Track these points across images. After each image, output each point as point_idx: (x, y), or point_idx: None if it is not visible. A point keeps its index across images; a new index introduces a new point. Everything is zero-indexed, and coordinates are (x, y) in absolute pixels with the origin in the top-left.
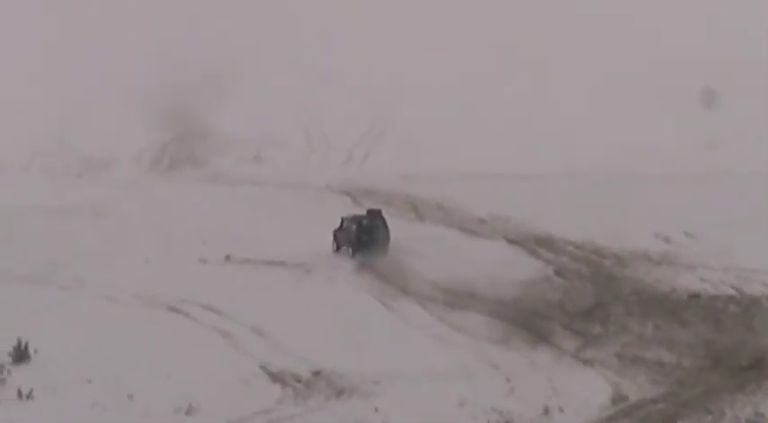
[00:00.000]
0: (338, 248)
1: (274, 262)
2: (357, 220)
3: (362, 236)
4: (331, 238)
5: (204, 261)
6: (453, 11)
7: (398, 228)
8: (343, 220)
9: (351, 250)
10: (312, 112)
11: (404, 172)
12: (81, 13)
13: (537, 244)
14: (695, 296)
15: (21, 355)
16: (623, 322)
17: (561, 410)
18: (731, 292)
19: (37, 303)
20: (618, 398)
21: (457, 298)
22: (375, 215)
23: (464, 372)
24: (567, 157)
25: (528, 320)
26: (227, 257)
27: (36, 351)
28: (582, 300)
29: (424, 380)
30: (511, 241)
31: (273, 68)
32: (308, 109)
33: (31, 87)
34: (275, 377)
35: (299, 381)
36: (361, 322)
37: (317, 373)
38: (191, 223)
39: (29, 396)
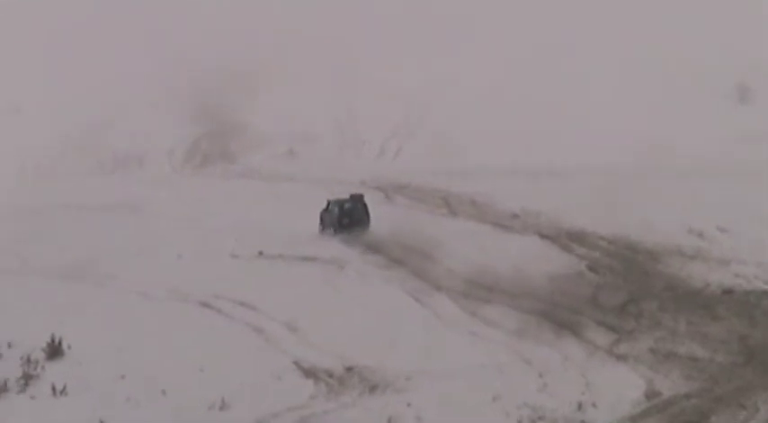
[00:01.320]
0: (323, 229)
1: (307, 257)
2: (340, 203)
3: (343, 218)
4: (322, 221)
5: (237, 257)
6: (484, 8)
7: (431, 223)
8: (328, 202)
9: (333, 230)
10: (345, 107)
11: (436, 167)
12: (114, 12)
13: (569, 239)
14: (729, 291)
15: (55, 350)
16: (656, 317)
17: (594, 406)
18: (765, 287)
19: (71, 299)
20: (651, 393)
21: (489, 293)
22: (357, 199)
23: (497, 367)
24: (599, 151)
25: (561, 316)
26: (260, 253)
27: (70, 347)
28: (615, 295)
29: (457, 375)
30: (543, 236)
31: (306, 64)
32: (341, 104)
33: (65, 85)
34: (308, 373)
35: (331, 376)
36: (394, 318)
37: (349, 369)
38: (223, 219)
39: (62, 392)
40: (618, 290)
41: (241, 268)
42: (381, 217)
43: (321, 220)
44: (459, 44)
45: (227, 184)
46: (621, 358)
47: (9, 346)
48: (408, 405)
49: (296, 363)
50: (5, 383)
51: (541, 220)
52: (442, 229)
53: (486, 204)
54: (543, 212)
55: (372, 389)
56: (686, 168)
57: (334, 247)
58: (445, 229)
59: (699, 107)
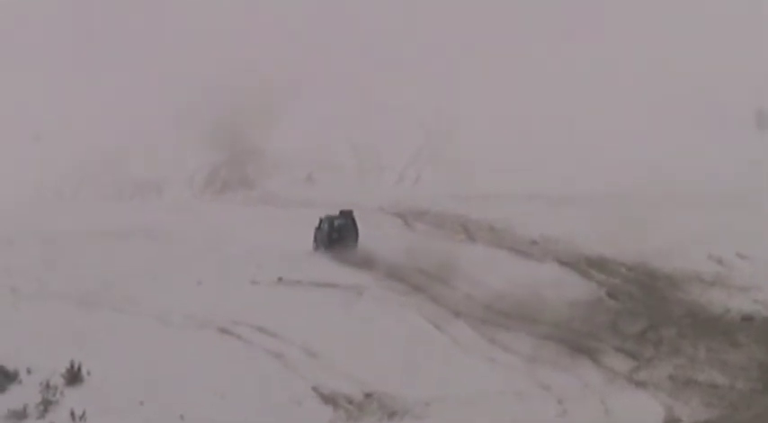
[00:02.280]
0: (317, 247)
1: (326, 284)
2: (330, 219)
3: (333, 233)
4: (315, 240)
5: (256, 283)
6: (503, 36)
7: (449, 249)
8: (320, 220)
9: (323, 247)
10: (364, 133)
11: (455, 194)
12: (134, 38)
13: (588, 265)
14: (748, 318)
15: (74, 376)
16: (676, 344)
17: None
18: None
19: (90, 325)
20: (671, 420)
21: (508, 320)
22: (347, 215)
23: (515, 393)
24: (618, 178)
25: (580, 342)
26: (280, 279)
27: (89, 373)
28: (634, 321)
29: (476, 401)
30: (562, 263)
31: (326, 90)
32: (360, 130)
33: (84, 112)
34: (327, 399)
35: (351, 402)
36: (413, 344)
37: (369, 395)
38: (243, 245)
39: (82, 418)
40: (637, 316)
41: (260, 294)
42: (400, 243)
43: (315, 238)
44: (478, 71)
45: (247, 209)
46: (641, 385)
47: (28, 371)
48: None
49: (315, 388)
50: (25, 409)
51: (560, 247)
52: (460, 255)
53: (504, 230)
54: (562, 239)
55: (391, 415)
56: (705, 194)
57: (353, 273)
58: (464, 256)
59: (716, 133)
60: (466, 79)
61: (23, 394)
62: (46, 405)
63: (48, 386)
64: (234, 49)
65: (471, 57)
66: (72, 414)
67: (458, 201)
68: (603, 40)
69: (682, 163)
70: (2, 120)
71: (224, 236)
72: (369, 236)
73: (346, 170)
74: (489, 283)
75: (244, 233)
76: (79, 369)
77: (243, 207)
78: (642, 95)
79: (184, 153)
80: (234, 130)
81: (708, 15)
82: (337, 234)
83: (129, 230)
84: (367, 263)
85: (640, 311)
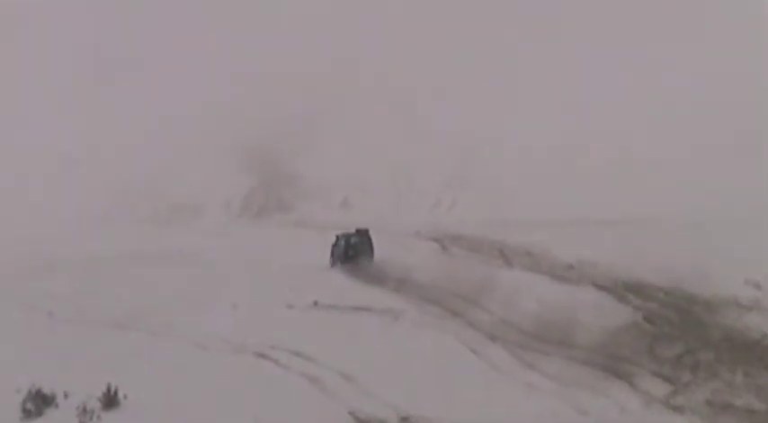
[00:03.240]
0: (333, 263)
1: (362, 307)
2: (347, 237)
3: (349, 250)
4: (332, 256)
5: (292, 307)
6: (539, 56)
7: (486, 274)
8: (337, 237)
9: (340, 262)
10: (400, 157)
11: (491, 218)
12: (171, 63)
13: (626, 290)
14: None
15: (110, 400)
16: (713, 369)
17: None
18: None
19: (126, 349)
20: None
21: (546, 344)
22: (362, 234)
23: (554, 418)
24: (655, 201)
25: (617, 366)
26: (315, 303)
27: (125, 397)
28: (671, 346)
29: None
30: (599, 287)
31: (362, 114)
32: (396, 154)
33: (121, 135)
34: None
35: None
36: (450, 368)
37: (405, 420)
38: (279, 269)
39: None
40: (674, 341)
41: (296, 318)
42: (436, 267)
43: (332, 254)
44: (514, 93)
45: (283, 233)
46: (678, 410)
47: (65, 396)
48: None
49: (352, 413)
50: None
51: (597, 271)
52: (497, 279)
53: (541, 255)
54: (599, 263)
55: None
56: (742, 218)
57: (388, 297)
58: (500, 280)
59: (754, 155)
60: (503, 103)
61: (60, 418)
62: None
63: (84, 410)
64: (271, 74)
65: (509, 81)
66: None
67: (494, 225)
68: (641, 63)
69: (718, 186)
70: (39, 145)
71: (260, 260)
72: (405, 260)
73: (383, 194)
74: (526, 308)
75: (279, 257)
76: (116, 393)
77: (279, 231)
78: (678, 119)
79: (221, 177)
80: (270, 154)
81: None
82: (353, 251)
83: (165, 255)
84: (403, 287)
85: (677, 336)
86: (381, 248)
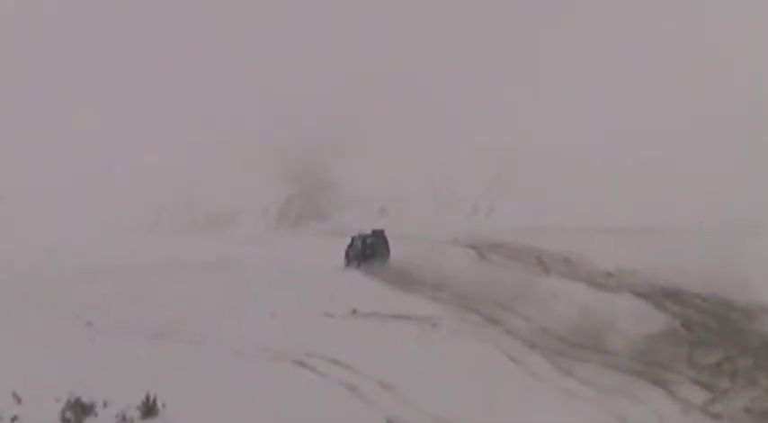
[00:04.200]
0: (348, 264)
1: (401, 315)
2: (363, 237)
3: (366, 250)
4: (347, 257)
5: (330, 315)
6: (577, 65)
7: (524, 281)
8: (352, 238)
9: (357, 262)
10: (437, 165)
11: (529, 225)
12: (209, 72)
13: (664, 297)
14: None
15: (149, 409)
16: (752, 376)
17: None
18: None
19: (165, 358)
20: None
21: (584, 352)
22: (378, 234)
23: None
24: (693, 208)
25: (655, 374)
26: (354, 311)
27: (164, 405)
28: (710, 353)
29: None
30: (638, 294)
31: (398, 122)
32: (434, 162)
33: (159, 144)
34: None
35: None
36: (488, 376)
37: None
38: (316, 277)
39: None
40: (713, 348)
41: (335, 326)
42: (474, 275)
43: (346, 255)
44: (551, 101)
45: (320, 241)
46: (717, 417)
47: (104, 404)
48: None
49: (390, 422)
50: None
51: (636, 279)
52: (535, 287)
53: (579, 263)
54: (637, 270)
55: None
56: None
57: (427, 305)
58: (539, 288)
59: None
60: (540, 110)
61: None
62: None
63: (123, 419)
64: (307, 82)
65: (545, 88)
66: None
67: (532, 233)
68: (679, 72)
69: (756, 194)
70: (77, 155)
71: (297, 268)
72: (443, 267)
73: (420, 202)
74: (564, 315)
75: (317, 265)
76: (154, 402)
77: (316, 239)
78: (719, 127)
79: (259, 186)
80: (309, 163)
81: None
82: (370, 250)
83: (203, 263)
84: (441, 295)
85: (716, 343)
86: (419, 256)
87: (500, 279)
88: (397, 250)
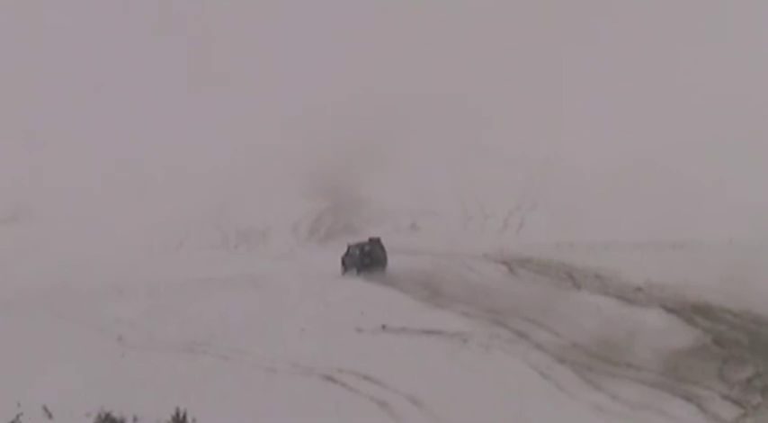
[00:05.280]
0: (345, 271)
1: (430, 331)
2: (360, 246)
3: (365, 258)
4: (344, 264)
5: (360, 330)
6: (606, 79)
7: (554, 296)
8: (349, 247)
9: (356, 270)
10: (467, 180)
11: (559, 241)
12: (242, 90)
13: (694, 312)
14: None
15: None
16: None
17: None
18: None
19: (196, 373)
20: None
21: (613, 366)
22: (375, 242)
23: None
24: (723, 224)
25: (686, 389)
26: (384, 327)
27: (195, 420)
28: (740, 369)
29: None
30: (668, 310)
31: (428, 138)
32: (464, 178)
33: (190, 161)
34: None
35: None
36: (518, 391)
37: None
38: (347, 293)
39: None
40: (743, 363)
41: (365, 342)
42: (504, 290)
43: (343, 263)
44: (581, 117)
45: None
46: None
47: (135, 419)
48: None
49: None
50: None
51: (666, 294)
52: (565, 302)
53: (609, 277)
54: (668, 285)
55: None
56: None
57: (457, 320)
58: (569, 302)
59: None
60: (570, 127)
61: None
62: None
63: None
64: (340, 103)
65: (574, 104)
66: None
67: (562, 248)
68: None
69: None
70: (109, 172)
71: (327, 283)
72: (473, 282)
73: (450, 218)
74: (594, 330)
75: (347, 281)
76: (185, 417)
77: None
78: (746, 143)
79: (289, 202)
80: (339, 179)
81: None
82: (369, 258)
83: (234, 279)
84: (471, 310)
85: (747, 358)
86: (449, 271)
87: (530, 294)
88: (427, 265)
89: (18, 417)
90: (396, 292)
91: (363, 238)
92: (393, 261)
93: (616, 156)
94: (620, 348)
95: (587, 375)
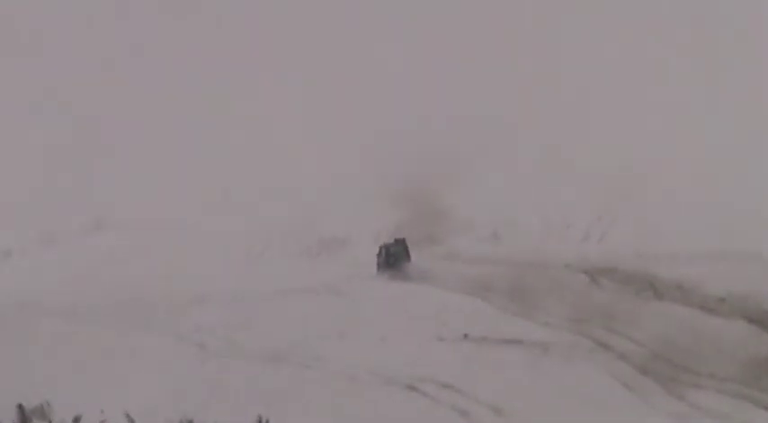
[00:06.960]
0: (379, 269)
1: (512, 340)
2: (387, 246)
3: (390, 258)
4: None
5: (442, 339)
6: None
7: (635, 306)
8: (380, 247)
9: (384, 269)
10: (548, 191)
11: (642, 251)
12: (321, 100)
13: None
14: None
15: None
16: None
17: None
18: None
19: (278, 382)
20: None
21: (696, 378)
22: (400, 242)
23: None
24: None
25: None
26: (465, 336)
27: None
28: None
29: None
30: (751, 320)
31: (508, 149)
32: (545, 188)
33: (271, 170)
34: None
35: None
36: (600, 402)
37: None
38: (427, 301)
39: None
40: None
41: (446, 351)
42: (586, 300)
43: (378, 263)
44: (663, 127)
45: (433, 267)
46: None
47: None
48: None
49: None
50: None
51: (749, 304)
52: (647, 312)
53: (692, 288)
54: (750, 296)
55: None
56: None
57: (538, 329)
58: (650, 313)
59: None
60: (652, 135)
61: None
62: None
63: None
64: (423, 115)
65: (654, 112)
66: None
67: (644, 258)
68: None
69: None
70: (192, 181)
71: (409, 292)
72: (554, 292)
73: (531, 228)
74: (677, 340)
75: (429, 290)
76: None
77: (428, 264)
78: None
79: (370, 211)
80: (421, 190)
81: None
82: (393, 258)
83: (315, 288)
84: (552, 319)
85: None
86: (531, 281)
87: (612, 303)
88: (509, 274)
89: None
90: (477, 301)
91: (445, 247)
92: (475, 271)
93: (698, 166)
94: (703, 359)
95: (670, 386)
